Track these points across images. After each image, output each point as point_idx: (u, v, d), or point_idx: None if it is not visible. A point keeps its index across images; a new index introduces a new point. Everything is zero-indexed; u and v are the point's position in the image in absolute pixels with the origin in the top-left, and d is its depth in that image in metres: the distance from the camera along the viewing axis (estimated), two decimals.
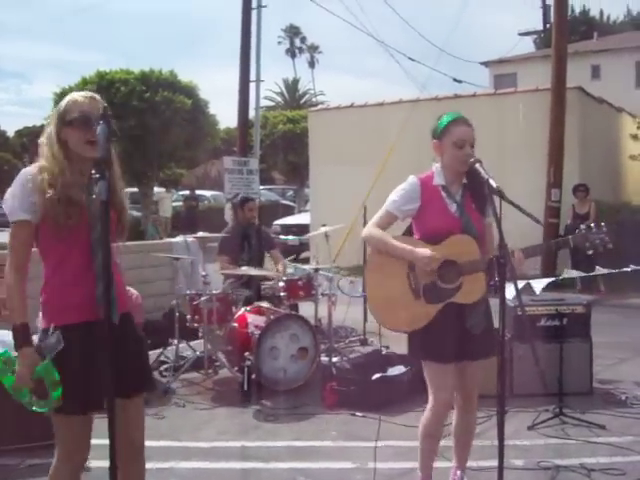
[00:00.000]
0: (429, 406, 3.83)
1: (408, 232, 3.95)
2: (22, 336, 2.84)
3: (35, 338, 2.94)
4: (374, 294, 3.86)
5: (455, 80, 21.16)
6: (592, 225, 3.64)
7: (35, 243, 2.97)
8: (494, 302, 3.32)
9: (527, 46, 42.51)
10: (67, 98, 3.03)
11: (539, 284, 6.26)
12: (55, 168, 2.92)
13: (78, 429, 2.98)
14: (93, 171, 2.63)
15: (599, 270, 7.80)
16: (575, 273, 8.89)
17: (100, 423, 2.89)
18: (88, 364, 2.86)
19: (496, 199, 3.33)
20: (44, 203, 2.86)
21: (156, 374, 6.84)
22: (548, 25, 37.69)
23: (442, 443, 4.06)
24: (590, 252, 3.68)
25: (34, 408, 2.93)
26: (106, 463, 2.64)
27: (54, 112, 3.03)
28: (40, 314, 3.00)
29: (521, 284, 7.85)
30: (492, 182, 3.32)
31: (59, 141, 2.97)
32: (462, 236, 3.67)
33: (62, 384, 2.84)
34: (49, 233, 2.92)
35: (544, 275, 9.58)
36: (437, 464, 4.11)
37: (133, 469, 3.16)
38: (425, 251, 3.60)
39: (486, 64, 35.30)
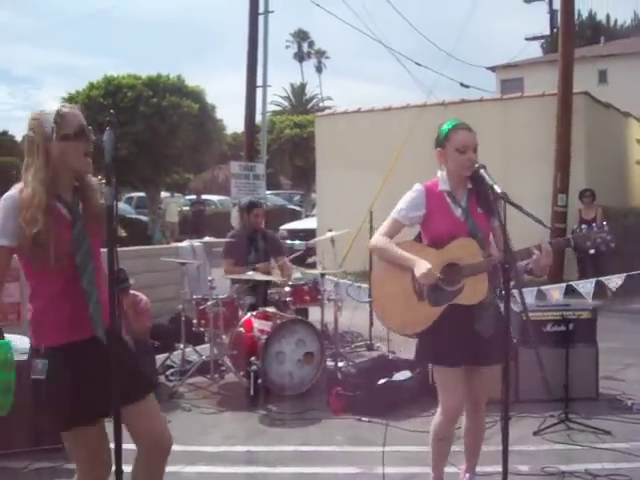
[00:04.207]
0: (439, 410, 3.83)
1: (419, 237, 3.97)
2: None
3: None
4: (379, 296, 3.88)
5: (462, 85, 21.14)
6: (593, 225, 3.62)
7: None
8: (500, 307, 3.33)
9: (534, 51, 42.47)
10: (53, 112, 2.87)
11: (552, 290, 6.24)
12: (39, 190, 2.82)
13: (87, 446, 2.99)
14: (99, 177, 2.65)
15: (608, 277, 7.76)
16: (588, 286, 8.68)
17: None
18: (78, 380, 2.86)
19: (501, 204, 3.35)
20: (23, 233, 2.80)
21: (162, 378, 6.87)
22: (555, 30, 37.68)
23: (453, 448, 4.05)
24: (592, 251, 3.66)
25: None
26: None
27: (38, 129, 2.88)
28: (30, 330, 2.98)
29: (532, 290, 7.88)
30: (496, 187, 3.33)
31: (46, 158, 2.86)
32: (465, 239, 3.69)
33: (50, 401, 2.85)
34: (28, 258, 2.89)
35: (552, 280, 9.50)
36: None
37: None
38: (424, 266, 3.58)
39: (493, 69, 35.27)
